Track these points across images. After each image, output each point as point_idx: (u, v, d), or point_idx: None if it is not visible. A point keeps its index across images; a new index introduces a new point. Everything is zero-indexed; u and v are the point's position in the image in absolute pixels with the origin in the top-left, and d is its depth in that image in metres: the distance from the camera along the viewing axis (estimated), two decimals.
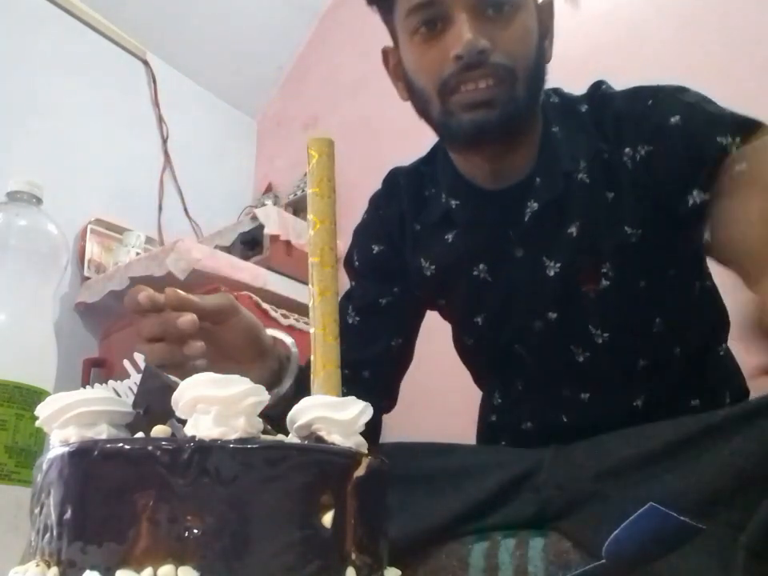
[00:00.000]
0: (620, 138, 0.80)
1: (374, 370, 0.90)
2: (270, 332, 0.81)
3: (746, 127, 0.72)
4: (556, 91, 0.88)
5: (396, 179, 0.97)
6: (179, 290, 0.66)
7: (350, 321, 0.93)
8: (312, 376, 0.48)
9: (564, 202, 0.82)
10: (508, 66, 0.77)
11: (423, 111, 0.83)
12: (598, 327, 0.83)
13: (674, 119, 0.75)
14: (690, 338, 0.87)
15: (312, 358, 0.48)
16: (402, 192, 0.94)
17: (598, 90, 0.86)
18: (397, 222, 0.94)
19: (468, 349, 0.97)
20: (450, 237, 0.89)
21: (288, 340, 0.80)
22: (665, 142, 0.76)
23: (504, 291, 0.87)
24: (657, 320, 0.84)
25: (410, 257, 0.93)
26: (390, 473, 0.44)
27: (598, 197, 0.81)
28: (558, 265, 0.82)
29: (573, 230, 0.81)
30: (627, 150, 0.79)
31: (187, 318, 0.64)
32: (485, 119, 0.76)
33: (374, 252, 0.95)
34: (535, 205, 0.82)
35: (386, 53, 0.90)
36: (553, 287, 0.83)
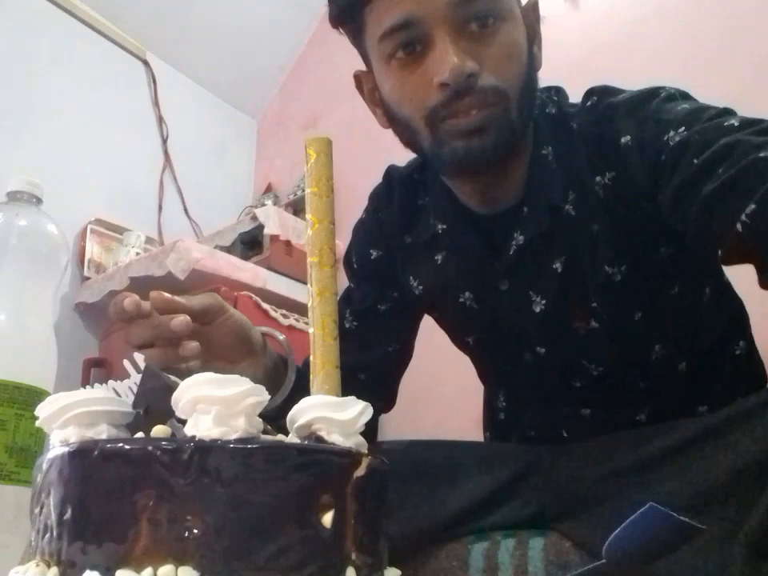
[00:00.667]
0: (592, 165, 0.75)
1: (371, 373, 0.89)
2: (261, 330, 0.80)
3: (692, 116, 0.67)
4: (555, 97, 0.82)
5: (392, 178, 0.94)
6: (164, 293, 0.66)
7: (348, 325, 0.91)
8: (311, 376, 0.48)
9: (550, 236, 0.77)
10: (499, 89, 0.70)
11: (410, 142, 0.77)
12: (592, 362, 0.80)
13: (624, 139, 0.71)
14: (699, 346, 0.83)
15: (311, 358, 0.48)
16: (396, 200, 0.91)
17: (585, 104, 0.79)
18: (395, 227, 0.91)
19: (467, 350, 0.97)
20: (439, 258, 0.86)
21: (280, 337, 0.79)
22: (623, 164, 0.72)
23: (490, 321, 0.84)
24: (656, 347, 0.80)
25: (400, 270, 0.91)
26: (389, 472, 0.44)
27: (582, 230, 0.76)
28: (544, 301, 0.78)
29: (557, 265, 0.77)
30: (598, 178, 0.75)
31: (180, 320, 0.64)
32: (479, 147, 0.70)
33: (373, 257, 0.93)
34: (521, 238, 0.77)
35: (358, 77, 0.81)
36: (539, 323, 0.79)
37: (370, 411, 0.43)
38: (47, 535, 0.38)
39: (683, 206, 0.64)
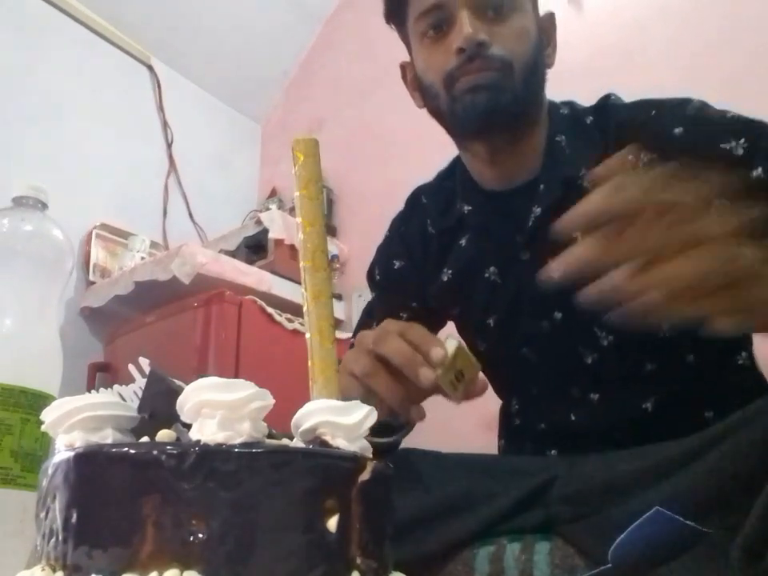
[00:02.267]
0: (622, 144, 0.79)
1: None
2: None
3: (750, 129, 0.75)
4: (568, 104, 0.93)
5: (419, 198, 1.03)
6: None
7: None
8: (310, 383, 0.48)
9: (567, 205, 0.81)
10: (505, 59, 0.83)
11: (434, 108, 0.90)
12: (603, 329, 0.85)
13: (678, 130, 0.79)
14: (704, 346, 0.85)
15: (309, 363, 0.48)
16: (426, 206, 1.01)
17: (606, 102, 0.91)
18: (418, 238, 1.00)
19: (482, 357, 0.98)
20: (463, 241, 0.95)
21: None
22: (667, 152, 0.75)
23: (513, 292, 0.90)
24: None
25: (430, 266, 0.98)
26: (395, 477, 0.44)
27: None
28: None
29: (577, 234, 0.82)
30: (630, 157, 0.80)
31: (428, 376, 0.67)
32: (483, 101, 0.83)
33: (395, 267, 1.01)
34: (538, 210, 0.86)
35: (403, 67, 0.96)
36: (558, 288, 0.83)
37: (374, 415, 0.43)
38: (53, 539, 0.38)
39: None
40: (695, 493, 0.59)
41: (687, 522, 0.41)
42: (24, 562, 0.66)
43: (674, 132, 0.79)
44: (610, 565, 0.50)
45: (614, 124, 0.86)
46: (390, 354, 0.68)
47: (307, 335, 0.49)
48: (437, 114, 0.90)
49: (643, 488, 0.66)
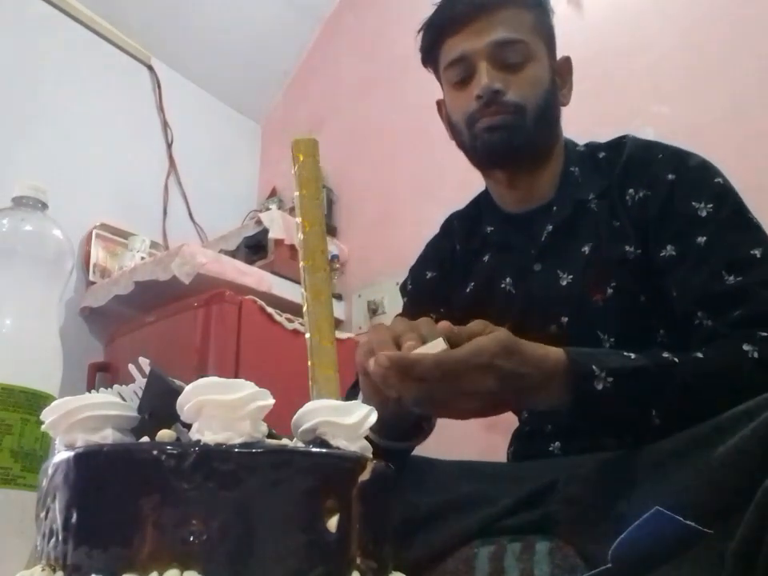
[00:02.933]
0: (627, 178, 0.95)
1: None
2: None
3: (719, 197, 0.86)
4: (587, 144, 1.06)
5: (452, 222, 1.16)
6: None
7: None
8: (310, 382, 0.48)
9: (576, 225, 0.98)
10: (519, 104, 0.95)
11: (459, 142, 1.03)
12: (605, 332, 0.92)
13: (671, 176, 0.90)
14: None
15: (309, 363, 0.48)
16: (456, 229, 1.14)
17: (621, 140, 1.02)
18: (449, 255, 1.13)
19: None
20: (486, 258, 1.07)
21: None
22: (659, 191, 0.91)
23: (524, 300, 1.00)
24: (660, 331, 0.91)
25: (457, 280, 1.10)
26: (395, 477, 0.44)
27: (605, 223, 0.96)
28: (571, 276, 0.96)
29: (586, 248, 0.96)
30: (631, 190, 0.94)
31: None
32: (498, 139, 0.96)
33: (427, 277, 1.13)
34: (550, 227, 0.99)
35: (439, 104, 1.10)
36: (565, 294, 0.96)
37: (374, 415, 0.43)
38: (53, 539, 0.38)
39: (682, 297, 0.85)
40: (693, 502, 0.59)
41: (687, 522, 0.41)
42: (24, 562, 0.66)
43: (668, 177, 0.90)
44: (609, 565, 0.50)
45: (624, 160, 0.97)
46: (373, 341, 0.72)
47: (307, 335, 0.49)
48: (462, 147, 1.03)
49: (643, 488, 0.66)
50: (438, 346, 0.66)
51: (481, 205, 1.13)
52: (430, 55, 1.06)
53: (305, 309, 0.49)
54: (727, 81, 1.73)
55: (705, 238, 0.84)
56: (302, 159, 0.51)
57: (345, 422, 0.41)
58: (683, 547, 0.47)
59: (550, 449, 0.94)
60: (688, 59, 1.85)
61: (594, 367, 0.71)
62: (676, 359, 0.73)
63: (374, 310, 2.33)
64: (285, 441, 0.42)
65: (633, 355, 0.73)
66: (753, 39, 1.75)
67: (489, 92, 0.95)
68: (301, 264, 0.50)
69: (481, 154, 1.00)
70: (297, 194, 0.51)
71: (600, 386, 0.70)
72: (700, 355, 0.74)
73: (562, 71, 1.04)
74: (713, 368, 0.73)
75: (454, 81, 1.01)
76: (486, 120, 0.96)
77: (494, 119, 0.96)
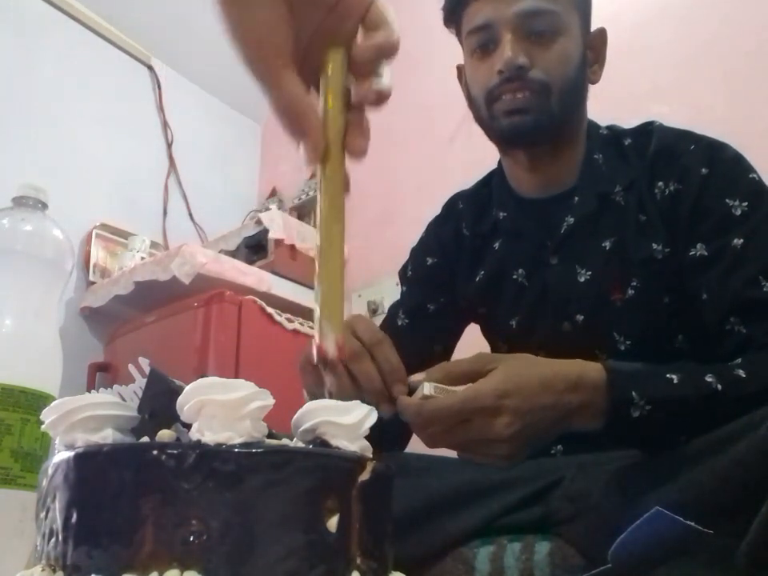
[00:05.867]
0: (656, 170, 0.89)
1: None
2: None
3: (755, 195, 0.81)
4: (609, 127, 0.98)
5: (455, 203, 1.08)
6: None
7: (400, 323, 1.03)
8: (315, 281, 0.47)
9: (599, 219, 0.92)
10: (544, 82, 0.88)
11: (476, 116, 0.97)
12: (622, 334, 0.88)
13: (704, 170, 0.84)
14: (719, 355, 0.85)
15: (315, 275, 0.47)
16: (462, 211, 1.06)
17: (647, 127, 0.95)
18: (453, 239, 1.05)
19: (506, 345, 1.00)
20: (496, 245, 1.00)
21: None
22: (690, 186, 0.85)
23: (538, 294, 0.95)
24: (679, 336, 0.88)
25: (464, 267, 1.04)
26: (394, 477, 0.44)
27: (631, 217, 0.89)
28: (590, 272, 0.91)
29: (607, 243, 0.90)
30: (660, 183, 0.88)
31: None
32: (519, 124, 0.89)
33: (428, 264, 1.06)
34: (571, 219, 0.92)
35: (459, 69, 1.03)
36: (582, 292, 0.91)
37: (374, 415, 0.43)
38: (53, 539, 0.38)
39: (713, 301, 0.80)
40: (703, 500, 0.59)
41: (687, 522, 0.41)
42: (24, 562, 0.66)
43: (702, 171, 0.84)
44: (609, 565, 0.50)
45: (653, 150, 0.90)
46: (359, 377, 0.69)
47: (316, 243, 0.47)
48: (479, 122, 0.96)
49: (648, 490, 0.65)
50: (421, 391, 0.65)
51: (492, 186, 1.05)
52: (452, 16, 0.98)
53: (318, 205, 0.49)
54: (726, 80, 1.73)
55: (740, 240, 0.78)
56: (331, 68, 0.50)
57: (345, 421, 0.41)
58: (683, 547, 0.47)
59: (552, 452, 0.92)
60: (687, 57, 1.85)
61: (633, 394, 0.67)
62: (719, 386, 0.68)
63: (374, 310, 2.33)
64: (285, 441, 0.42)
65: (675, 378, 0.69)
66: (752, 38, 1.75)
67: (512, 67, 0.88)
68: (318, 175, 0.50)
69: (499, 136, 0.94)
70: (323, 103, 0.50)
71: (637, 414, 0.67)
72: (742, 374, 0.69)
73: (595, 45, 0.97)
74: (754, 389, 0.68)
75: (475, 49, 0.93)
76: (507, 99, 0.89)
77: (515, 99, 0.88)
